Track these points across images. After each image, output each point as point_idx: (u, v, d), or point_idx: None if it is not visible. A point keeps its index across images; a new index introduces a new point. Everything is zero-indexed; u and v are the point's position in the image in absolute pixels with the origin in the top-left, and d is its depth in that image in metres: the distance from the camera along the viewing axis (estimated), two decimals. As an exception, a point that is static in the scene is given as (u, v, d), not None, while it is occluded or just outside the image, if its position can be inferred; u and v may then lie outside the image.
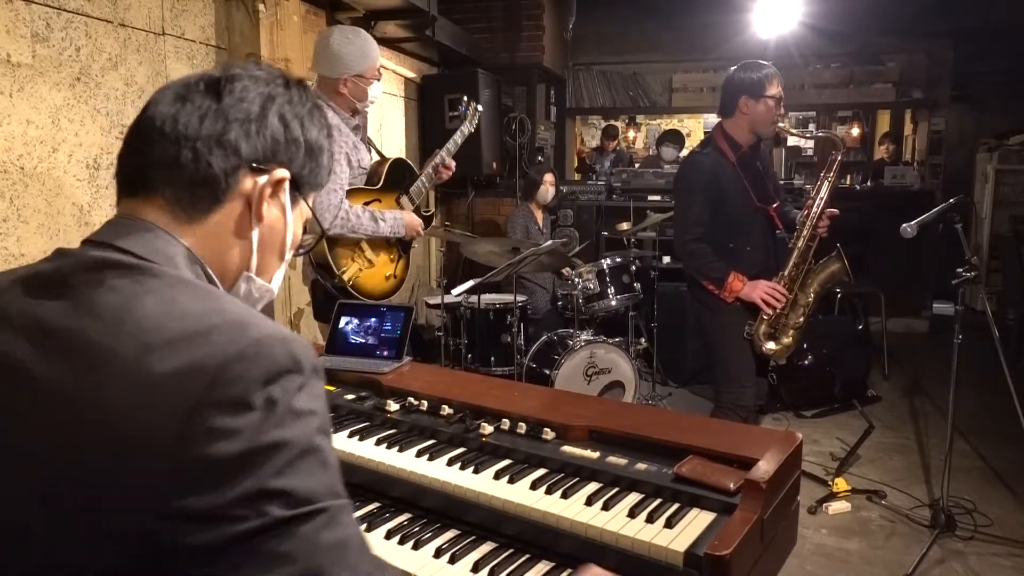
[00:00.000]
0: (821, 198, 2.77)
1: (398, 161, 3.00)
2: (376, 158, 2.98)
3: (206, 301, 0.77)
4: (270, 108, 0.88)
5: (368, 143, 2.96)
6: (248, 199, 0.87)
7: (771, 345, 2.79)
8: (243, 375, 0.70)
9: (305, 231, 1.01)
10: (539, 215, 5.04)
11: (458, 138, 3.08)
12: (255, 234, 0.88)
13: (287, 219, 0.92)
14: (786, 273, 2.78)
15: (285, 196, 0.90)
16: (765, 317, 2.76)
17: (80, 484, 0.69)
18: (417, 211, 2.98)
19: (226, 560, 0.68)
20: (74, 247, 0.83)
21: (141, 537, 0.68)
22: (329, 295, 2.81)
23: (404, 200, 2.96)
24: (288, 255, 0.95)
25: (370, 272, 2.86)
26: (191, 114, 0.84)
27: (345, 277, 2.75)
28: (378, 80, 2.82)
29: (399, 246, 2.96)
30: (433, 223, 3.70)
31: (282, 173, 0.89)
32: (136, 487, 0.68)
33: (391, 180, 2.94)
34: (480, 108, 3.24)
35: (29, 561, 0.71)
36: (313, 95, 0.96)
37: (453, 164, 3.06)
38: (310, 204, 0.96)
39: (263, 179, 0.87)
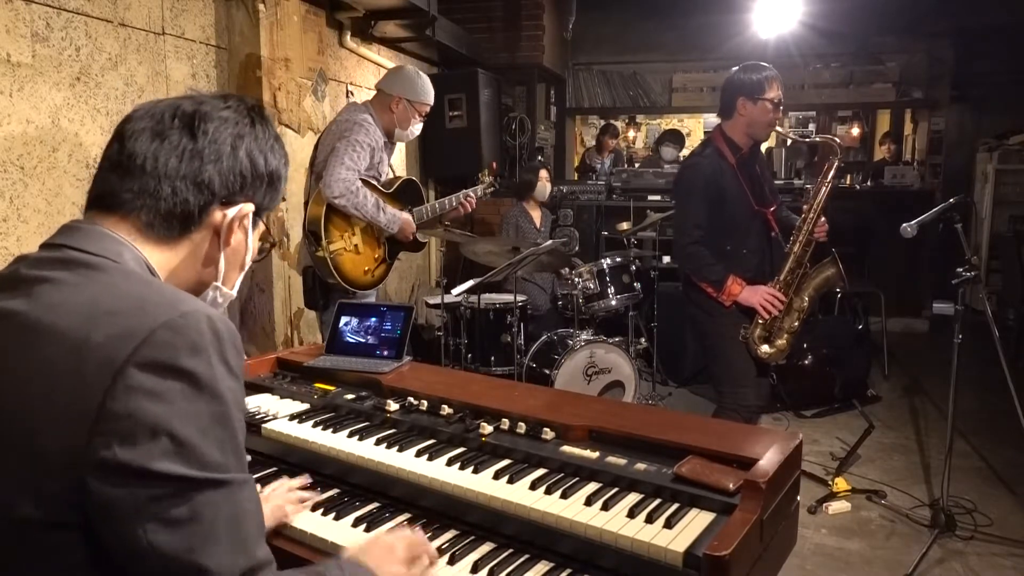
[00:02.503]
0: (818, 203, 2.76)
1: (411, 181, 3.29)
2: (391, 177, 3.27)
3: (144, 286, 0.87)
4: (240, 147, 0.98)
5: (390, 166, 3.25)
6: (217, 228, 0.98)
7: (766, 348, 2.79)
8: (171, 342, 0.79)
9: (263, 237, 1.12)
10: (536, 214, 5.03)
11: (465, 193, 3.39)
12: (222, 256, 1.00)
13: (248, 241, 1.04)
14: (782, 278, 2.77)
15: (248, 223, 1.02)
16: (760, 321, 2.76)
17: (11, 435, 0.78)
18: (413, 235, 3.23)
19: (135, 520, 0.75)
20: (33, 251, 0.91)
21: (64, 491, 0.75)
22: (319, 282, 3.03)
23: (407, 213, 3.18)
24: (247, 267, 1.07)
25: (353, 257, 3.02)
26: (169, 153, 0.93)
27: (331, 248, 2.92)
28: (421, 121, 3.17)
29: (386, 250, 3.16)
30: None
31: (249, 208, 1.00)
32: (64, 437, 0.76)
33: (400, 192, 3.19)
34: (497, 186, 3.61)
35: None
36: (272, 125, 1.06)
37: (470, 205, 3.37)
38: (265, 221, 1.09)
39: (232, 212, 0.98)
